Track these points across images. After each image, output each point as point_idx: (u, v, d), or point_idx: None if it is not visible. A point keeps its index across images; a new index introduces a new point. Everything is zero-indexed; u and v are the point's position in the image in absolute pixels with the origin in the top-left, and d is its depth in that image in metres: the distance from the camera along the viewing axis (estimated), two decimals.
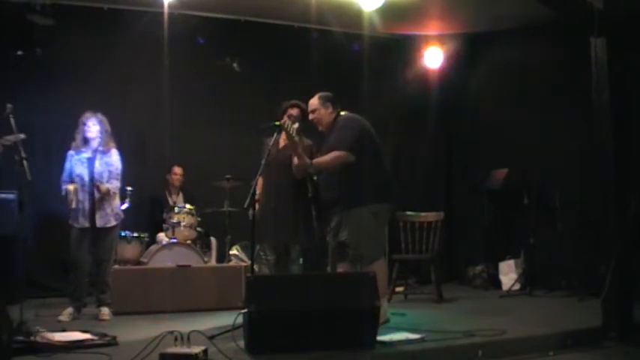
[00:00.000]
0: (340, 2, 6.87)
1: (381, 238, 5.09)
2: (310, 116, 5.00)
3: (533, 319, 5.07)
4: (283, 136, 4.87)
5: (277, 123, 4.67)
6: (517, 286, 6.85)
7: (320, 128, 5.00)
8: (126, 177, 5.76)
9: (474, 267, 7.56)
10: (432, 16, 7.32)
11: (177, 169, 7.25)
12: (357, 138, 4.79)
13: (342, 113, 5.00)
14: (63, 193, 5.41)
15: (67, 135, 5.69)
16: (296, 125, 4.76)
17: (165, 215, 6.66)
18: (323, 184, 4.92)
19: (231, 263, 6.66)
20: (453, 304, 6.24)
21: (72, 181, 5.43)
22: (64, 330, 4.46)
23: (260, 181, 4.93)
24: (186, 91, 7.28)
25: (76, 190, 5.35)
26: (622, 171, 4.70)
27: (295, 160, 4.76)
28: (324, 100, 4.98)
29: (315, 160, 4.79)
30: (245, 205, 4.56)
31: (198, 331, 3.99)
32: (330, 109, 4.96)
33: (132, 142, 7.06)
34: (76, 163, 5.47)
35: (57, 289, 6.49)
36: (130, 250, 6.53)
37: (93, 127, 5.49)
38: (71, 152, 5.53)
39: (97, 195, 5.40)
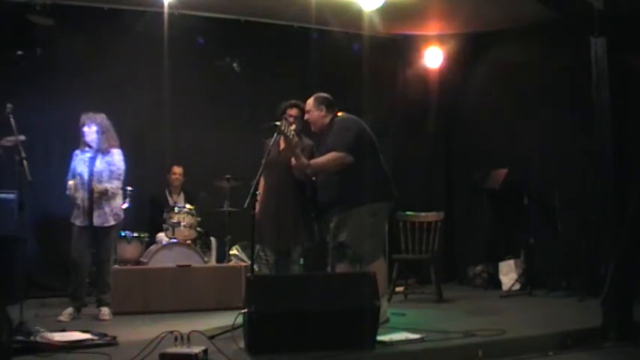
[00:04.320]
0: (340, 2, 6.87)
1: (380, 238, 5.10)
2: (305, 116, 5.01)
3: (533, 319, 5.07)
4: None
5: (277, 123, 4.67)
6: (517, 286, 6.85)
7: (312, 128, 5.02)
8: (126, 177, 5.75)
9: (474, 267, 7.57)
10: (431, 16, 7.32)
11: (177, 169, 7.24)
12: (354, 139, 4.80)
13: (340, 114, 5.01)
14: (67, 192, 5.43)
15: (67, 135, 5.69)
16: (293, 126, 4.75)
17: (165, 215, 6.66)
18: (321, 185, 4.92)
19: (231, 263, 6.66)
20: (453, 304, 6.24)
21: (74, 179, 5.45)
22: (64, 330, 4.45)
23: (261, 181, 4.93)
24: (186, 91, 7.27)
25: (75, 186, 5.38)
26: (622, 171, 4.70)
27: (293, 160, 4.76)
28: (318, 102, 4.98)
29: (313, 161, 4.80)
30: (245, 205, 4.56)
31: (198, 331, 3.99)
32: (324, 112, 4.96)
33: (132, 142, 7.01)
34: (79, 162, 5.50)
35: (57, 289, 6.49)
36: (130, 250, 6.53)
37: (88, 130, 5.48)
38: (77, 151, 5.56)
39: (94, 194, 5.40)
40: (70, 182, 5.40)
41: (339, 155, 4.74)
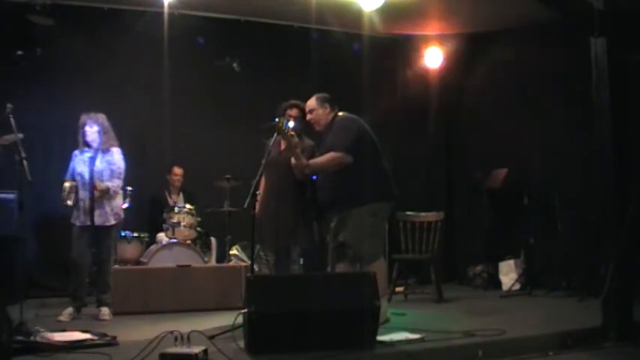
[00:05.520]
0: (340, 2, 6.87)
1: (380, 238, 5.10)
2: (308, 117, 5.01)
3: (533, 319, 5.07)
4: None
5: (276, 120, 4.66)
6: (517, 286, 6.85)
7: (317, 128, 5.01)
8: (126, 177, 5.75)
9: (474, 267, 7.57)
10: (431, 16, 7.32)
11: (177, 170, 7.25)
12: (354, 138, 4.80)
13: (340, 114, 5.01)
14: (62, 193, 5.42)
15: (67, 135, 5.69)
16: (291, 124, 4.75)
17: (165, 215, 6.66)
18: (321, 185, 4.92)
19: (231, 263, 6.67)
20: (453, 304, 6.24)
21: (72, 180, 5.44)
22: (64, 330, 4.46)
23: (262, 181, 4.93)
24: (186, 91, 7.28)
25: (72, 188, 5.36)
26: (622, 171, 4.70)
27: (292, 160, 4.77)
28: (321, 101, 4.98)
29: (312, 161, 4.80)
30: (245, 205, 4.56)
31: (198, 331, 3.99)
32: (328, 110, 4.97)
33: (132, 142, 7.01)
34: (79, 162, 5.50)
35: (57, 289, 6.49)
36: (130, 250, 6.53)
37: (89, 130, 5.48)
38: (76, 152, 5.56)
39: (95, 193, 5.40)
40: (66, 184, 5.36)
41: (338, 155, 4.73)
